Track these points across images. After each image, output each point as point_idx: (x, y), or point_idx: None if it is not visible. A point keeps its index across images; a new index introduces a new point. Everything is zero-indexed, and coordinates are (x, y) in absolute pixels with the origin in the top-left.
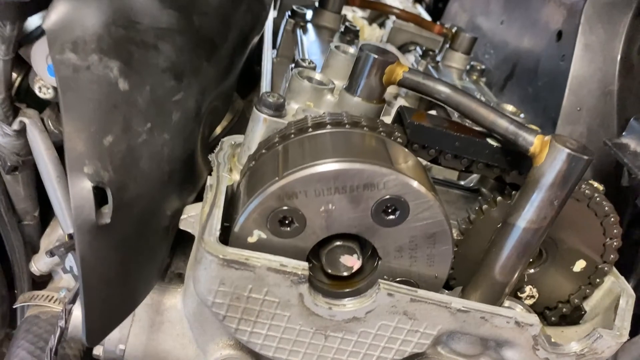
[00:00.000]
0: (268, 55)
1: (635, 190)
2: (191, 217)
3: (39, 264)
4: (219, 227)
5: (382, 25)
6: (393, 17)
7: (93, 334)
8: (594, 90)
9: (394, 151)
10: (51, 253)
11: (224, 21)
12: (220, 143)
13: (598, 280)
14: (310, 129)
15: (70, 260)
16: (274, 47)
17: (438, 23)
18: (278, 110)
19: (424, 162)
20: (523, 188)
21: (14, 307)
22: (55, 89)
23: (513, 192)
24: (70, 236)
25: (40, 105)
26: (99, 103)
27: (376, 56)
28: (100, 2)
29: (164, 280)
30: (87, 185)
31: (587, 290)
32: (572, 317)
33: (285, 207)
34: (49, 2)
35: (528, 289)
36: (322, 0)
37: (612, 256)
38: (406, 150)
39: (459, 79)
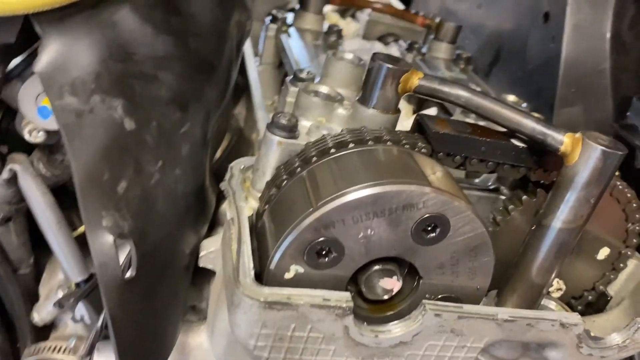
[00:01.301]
0: (252, 64)
1: None
2: (211, 253)
3: (42, 314)
4: (252, 265)
5: (353, 16)
6: (368, 10)
7: None
8: (587, 70)
9: (424, 164)
10: (60, 304)
11: (218, 39)
12: (229, 169)
13: (622, 265)
14: (332, 150)
15: (81, 309)
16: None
17: (420, 14)
18: (292, 131)
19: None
20: (556, 188)
21: None
22: (47, 132)
23: (538, 190)
24: (77, 285)
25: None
26: (108, 148)
27: (390, 66)
28: (92, 37)
29: None
30: (109, 239)
31: (612, 276)
32: (598, 304)
33: (322, 239)
34: (32, 40)
35: (555, 283)
36: (302, 2)
37: (634, 240)
38: (433, 161)
39: (447, 70)
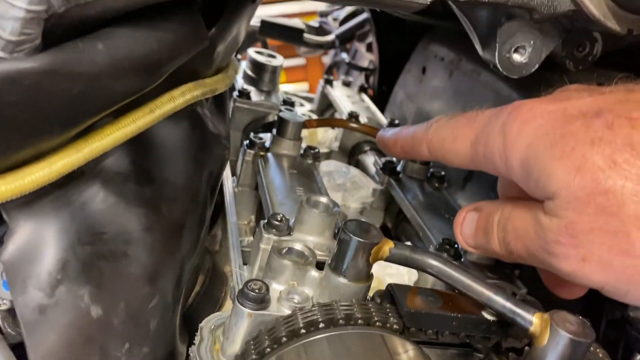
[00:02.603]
0: (229, 186)
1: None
2: None
3: None
4: None
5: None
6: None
7: None
8: None
9: (397, 346)
10: None
11: (190, 198)
12: (200, 329)
13: None
14: (302, 330)
15: None
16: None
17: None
18: (262, 302)
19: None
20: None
21: None
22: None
23: (510, 354)
24: None
25: None
26: (72, 340)
27: (360, 240)
28: (61, 220)
29: None
30: None
31: None
32: None
33: None
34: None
35: None
36: (279, 130)
37: None
38: (404, 340)
39: (420, 190)
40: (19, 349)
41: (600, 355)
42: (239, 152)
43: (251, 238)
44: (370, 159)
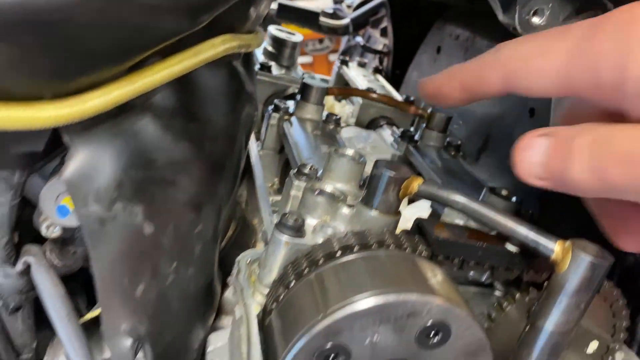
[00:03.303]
0: (254, 149)
1: None
2: (218, 349)
3: None
4: None
5: (345, 98)
6: None
7: None
8: None
9: (425, 269)
10: None
11: (230, 140)
12: (236, 263)
13: (610, 358)
14: (339, 253)
15: None
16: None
17: (412, 102)
18: (299, 231)
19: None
20: (548, 292)
21: None
22: (62, 227)
23: (530, 288)
24: None
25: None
26: (128, 253)
27: (392, 174)
28: (116, 146)
29: None
30: (127, 344)
31: None
32: None
33: (330, 345)
34: (56, 145)
35: None
36: (303, 95)
37: (621, 335)
38: (433, 264)
39: (438, 158)
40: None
41: (615, 292)
42: (259, 125)
43: (277, 198)
44: (386, 133)
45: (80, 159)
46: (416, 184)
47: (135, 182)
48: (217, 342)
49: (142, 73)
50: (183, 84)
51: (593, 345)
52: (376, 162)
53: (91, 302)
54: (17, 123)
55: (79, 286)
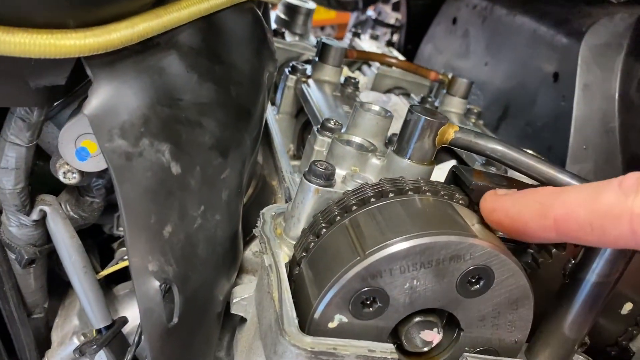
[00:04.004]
0: (270, 112)
1: None
2: (243, 300)
3: None
4: (295, 314)
5: (359, 69)
6: (377, 63)
7: None
8: (597, 129)
9: (465, 215)
10: (81, 352)
11: (255, 88)
12: (261, 215)
13: None
14: (373, 199)
15: (101, 357)
16: (272, 103)
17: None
18: (329, 179)
19: None
20: None
21: None
22: (81, 172)
23: (567, 244)
24: (99, 331)
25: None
26: (155, 191)
27: (429, 118)
28: (141, 82)
29: None
30: (154, 285)
31: (634, 332)
32: (621, 359)
33: (368, 288)
34: (76, 84)
35: None
36: (322, 55)
37: None
38: (472, 212)
39: (460, 123)
40: None
41: None
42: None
43: (294, 162)
44: (403, 100)
45: (104, 92)
46: (452, 131)
47: (161, 119)
48: (243, 294)
49: (168, 8)
50: (209, 24)
51: (627, 307)
52: (411, 106)
53: (103, 264)
54: (40, 50)
55: (93, 244)
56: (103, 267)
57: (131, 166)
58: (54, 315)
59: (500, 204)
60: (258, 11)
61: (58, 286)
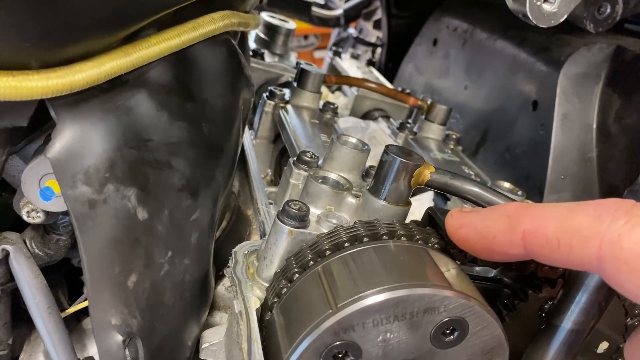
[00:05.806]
0: (247, 137)
1: None
2: (213, 346)
3: None
4: None
5: (340, 90)
6: None
7: None
8: (575, 158)
9: (439, 262)
10: None
11: (228, 123)
12: (233, 254)
13: (620, 359)
14: (347, 244)
15: None
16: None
17: (410, 93)
18: (303, 220)
19: None
20: (567, 288)
21: None
22: (45, 212)
23: (543, 285)
24: None
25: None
26: (120, 240)
27: (404, 160)
28: (108, 123)
29: None
30: (117, 339)
31: None
32: None
33: (340, 342)
34: (41, 122)
35: None
36: (300, 81)
37: None
38: (447, 257)
39: (438, 151)
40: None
41: None
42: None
43: (271, 189)
44: (382, 125)
45: (68, 135)
46: (428, 172)
47: (128, 162)
48: (212, 339)
49: (137, 45)
50: (180, 60)
51: (603, 346)
52: (387, 147)
53: (73, 297)
54: (0, 93)
55: (61, 278)
56: (72, 299)
57: (95, 214)
58: (20, 346)
59: (468, 219)
60: (233, 42)
61: (22, 320)
